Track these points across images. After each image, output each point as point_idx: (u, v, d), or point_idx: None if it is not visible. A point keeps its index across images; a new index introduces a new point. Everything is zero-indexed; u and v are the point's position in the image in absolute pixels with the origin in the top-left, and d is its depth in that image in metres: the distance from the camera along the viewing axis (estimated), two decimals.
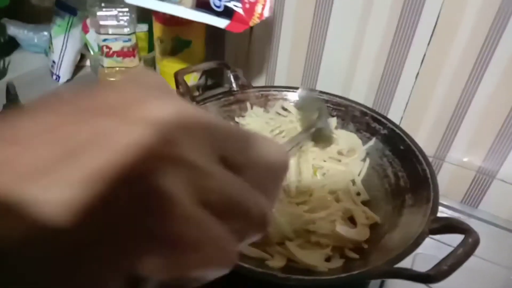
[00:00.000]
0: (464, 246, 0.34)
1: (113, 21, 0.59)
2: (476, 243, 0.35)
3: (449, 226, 0.39)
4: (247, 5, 0.43)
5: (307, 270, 0.40)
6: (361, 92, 0.66)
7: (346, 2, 0.60)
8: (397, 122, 0.56)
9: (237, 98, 0.61)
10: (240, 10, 0.44)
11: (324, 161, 0.53)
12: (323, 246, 0.43)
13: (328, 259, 0.42)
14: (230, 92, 0.61)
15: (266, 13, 0.45)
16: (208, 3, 0.43)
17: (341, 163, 0.54)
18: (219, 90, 0.77)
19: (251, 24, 0.44)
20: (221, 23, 0.45)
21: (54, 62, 0.74)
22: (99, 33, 0.60)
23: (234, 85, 0.61)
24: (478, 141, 0.60)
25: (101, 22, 0.59)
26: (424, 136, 0.63)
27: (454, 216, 0.62)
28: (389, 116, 0.57)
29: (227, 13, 0.44)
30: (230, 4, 0.43)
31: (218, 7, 0.43)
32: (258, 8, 0.43)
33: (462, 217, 0.62)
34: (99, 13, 0.58)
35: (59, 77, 0.75)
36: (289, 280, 0.35)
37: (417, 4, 0.56)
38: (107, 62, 0.62)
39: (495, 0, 0.51)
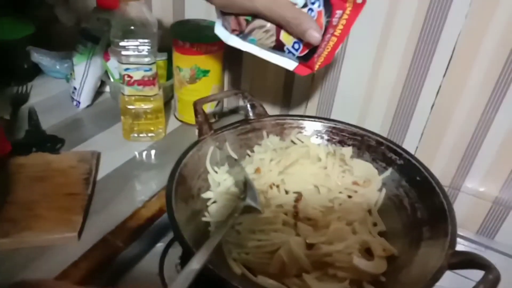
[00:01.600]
0: (484, 283, 0.34)
1: (134, 51, 0.61)
2: (497, 280, 0.34)
3: (469, 261, 0.39)
4: (316, 55, 0.46)
5: None
6: (376, 122, 0.67)
7: (363, 32, 0.62)
8: (412, 152, 0.56)
9: (254, 126, 0.61)
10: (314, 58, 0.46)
11: (340, 192, 0.53)
12: (340, 279, 0.43)
13: None
14: (246, 120, 0.62)
15: (331, 59, 0.47)
16: (283, 48, 0.46)
17: (357, 194, 0.54)
18: (235, 117, 0.78)
19: (316, 69, 0.47)
20: (290, 65, 0.48)
21: (75, 88, 0.76)
22: (121, 63, 0.62)
23: (250, 113, 0.62)
24: (495, 172, 0.60)
25: (123, 52, 0.61)
26: (439, 166, 0.64)
27: (471, 248, 0.61)
28: (404, 146, 0.57)
29: (301, 58, 0.47)
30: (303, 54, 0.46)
31: (293, 54, 0.47)
32: (322, 57, 0.46)
33: (478, 248, 0.61)
34: (121, 44, 0.60)
35: (79, 103, 0.77)
36: None
37: (433, 36, 0.57)
38: (128, 90, 0.64)
39: (511, 36, 0.52)
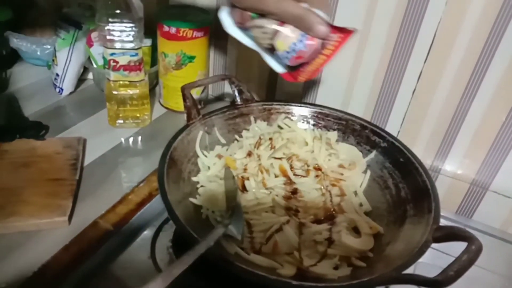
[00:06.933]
0: (468, 253, 0.36)
1: (120, 35, 0.61)
2: (479, 250, 0.36)
3: (452, 234, 0.41)
4: (302, 68, 0.49)
5: (317, 279, 0.42)
6: (360, 106, 0.68)
7: (346, 18, 0.63)
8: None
9: (241, 111, 0.62)
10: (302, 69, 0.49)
11: (327, 175, 0.55)
12: (330, 256, 0.45)
13: (336, 268, 0.44)
14: (234, 105, 0.62)
15: (316, 75, 0.50)
16: (275, 52, 0.48)
17: (343, 176, 0.56)
18: (220, 104, 0.79)
19: (299, 80, 0.50)
20: (279, 69, 0.52)
21: (57, 75, 0.74)
22: (107, 48, 0.61)
23: (238, 99, 0.63)
24: (472, 154, 0.63)
25: (109, 37, 0.61)
26: (420, 149, 0.66)
27: None
28: (386, 130, 0.59)
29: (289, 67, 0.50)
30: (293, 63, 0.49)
31: (283, 61, 0.50)
32: (307, 72, 0.49)
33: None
34: (107, 28, 0.60)
35: (62, 89, 0.75)
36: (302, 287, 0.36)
37: (414, 24, 0.59)
38: (113, 75, 0.63)
39: (488, 22, 0.54)
